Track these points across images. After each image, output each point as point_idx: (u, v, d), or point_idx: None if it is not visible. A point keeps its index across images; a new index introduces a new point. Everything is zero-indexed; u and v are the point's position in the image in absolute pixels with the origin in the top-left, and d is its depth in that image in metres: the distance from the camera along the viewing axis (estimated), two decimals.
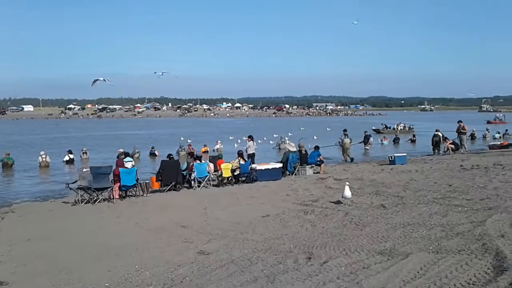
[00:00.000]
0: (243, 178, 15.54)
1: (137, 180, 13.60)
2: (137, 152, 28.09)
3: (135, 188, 13.67)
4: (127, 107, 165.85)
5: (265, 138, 37.75)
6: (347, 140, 25.76)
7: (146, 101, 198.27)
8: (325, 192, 11.95)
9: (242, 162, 15.46)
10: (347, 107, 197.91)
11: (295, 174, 16.72)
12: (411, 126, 53.18)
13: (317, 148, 18.18)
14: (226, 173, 15.07)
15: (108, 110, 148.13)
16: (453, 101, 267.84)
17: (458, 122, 25.16)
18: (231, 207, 10.70)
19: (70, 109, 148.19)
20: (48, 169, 22.37)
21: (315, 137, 35.98)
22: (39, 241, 8.43)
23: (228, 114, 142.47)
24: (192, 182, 14.92)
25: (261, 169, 15.83)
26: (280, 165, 16.39)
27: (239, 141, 37.92)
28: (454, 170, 14.80)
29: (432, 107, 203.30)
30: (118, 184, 13.20)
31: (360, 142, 32.20)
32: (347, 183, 10.08)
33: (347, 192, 9.73)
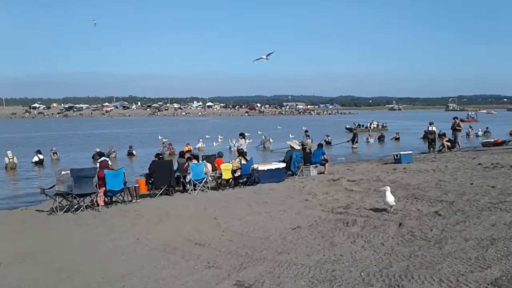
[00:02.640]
0: (243, 180, 13.79)
1: (125, 183, 11.65)
2: (113, 152, 25.91)
3: (122, 193, 11.74)
4: (95, 106, 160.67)
5: (246, 135, 36.02)
6: (308, 141, 25.52)
7: (114, 100, 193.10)
8: (350, 197, 10.37)
9: (243, 162, 13.69)
10: (317, 107, 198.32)
11: (298, 175, 15.13)
12: (384, 125, 52.55)
13: (320, 146, 16.62)
14: (227, 175, 13.29)
15: (75, 109, 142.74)
16: (418, 100, 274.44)
17: (453, 118, 24.12)
18: (246, 216, 8.94)
19: (34, 108, 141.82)
20: (15, 171, 19.94)
21: (290, 135, 34.51)
22: (11, 266, 6.47)
23: (200, 113, 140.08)
24: (187, 185, 13.11)
25: (263, 170, 14.14)
26: (283, 165, 14.74)
27: (219, 139, 36.15)
28: (475, 169, 13.54)
29: (400, 106, 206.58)
30: (103, 188, 11.22)
31: (348, 141, 31.07)
32: (388, 187, 8.50)
33: (390, 198, 8.15)
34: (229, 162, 14.01)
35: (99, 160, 17.33)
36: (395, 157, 17.69)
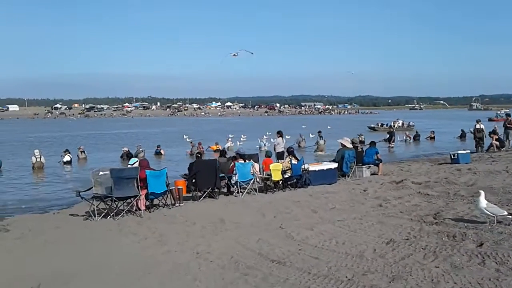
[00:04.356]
0: (292, 181, 12.46)
1: (167, 185, 10.46)
2: (142, 151, 24.88)
3: (164, 196, 10.57)
4: (115, 106, 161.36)
5: (267, 135, 34.85)
6: (321, 142, 25.83)
7: (134, 100, 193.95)
8: (432, 202, 8.97)
9: (294, 161, 12.36)
10: (335, 106, 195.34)
11: (350, 176, 13.75)
12: (411, 124, 50.14)
13: (373, 144, 15.17)
14: (276, 176, 11.98)
15: (96, 110, 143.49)
16: (439, 99, 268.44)
17: (506, 115, 22.39)
18: (318, 225, 7.62)
19: (56, 108, 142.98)
20: (43, 171, 19.00)
21: (311, 135, 33.05)
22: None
23: (219, 113, 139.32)
24: (232, 187, 11.88)
25: (314, 170, 12.80)
26: (335, 165, 13.37)
27: (242, 138, 34.77)
28: None
29: (421, 106, 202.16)
30: (145, 191, 10.05)
31: (384, 140, 29.42)
32: (482, 191, 7.08)
33: (496, 208, 6.74)
34: (278, 162, 12.72)
35: (129, 161, 16.42)
36: (452, 157, 16.15)
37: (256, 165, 12.25)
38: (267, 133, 38.65)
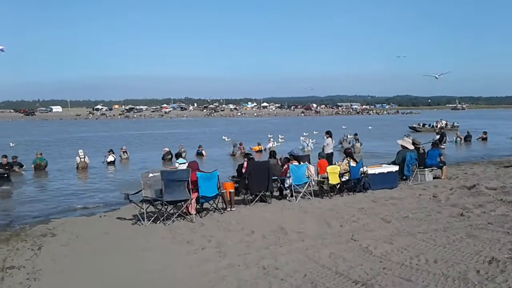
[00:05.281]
0: (350, 185, 11.51)
1: (218, 188, 9.77)
2: (184, 152, 24.47)
3: (215, 200, 9.89)
4: (154, 107, 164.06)
5: (305, 135, 33.86)
6: (357, 145, 24.49)
7: (171, 101, 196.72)
8: None
9: (352, 164, 11.41)
10: (372, 106, 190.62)
11: (412, 180, 12.66)
12: (455, 124, 47.43)
13: (435, 145, 13.98)
14: (334, 179, 11.07)
15: (135, 111, 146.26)
16: (481, 99, 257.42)
17: None
18: (395, 237, 6.70)
19: (97, 109, 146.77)
20: (87, 171, 18.81)
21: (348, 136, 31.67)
22: None
23: (255, 114, 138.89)
24: (285, 191, 11.08)
25: (374, 174, 11.80)
26: (396, 168, 12.32)
27: (280, 138, 33.81)
28: None
29: (464, 106, 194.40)
30: (196, 194, 9.39)
31: (434, 141, 27.80)
32: None
33: None
34: (334, 164, 11.81)
35: (177, 160, 15.86)
36: None
37: (312, 167, 11.39)
38: (304, 133, 37.84)
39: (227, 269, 5.66)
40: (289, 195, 10.99)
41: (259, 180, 10.60)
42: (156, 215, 8.90)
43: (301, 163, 11.30)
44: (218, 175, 9.80)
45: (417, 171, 12.82)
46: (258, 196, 10.59)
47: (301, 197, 10.77)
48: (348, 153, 11.84)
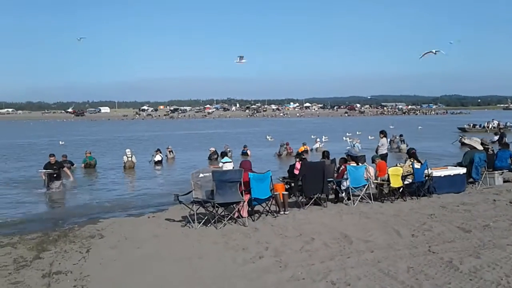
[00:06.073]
0: (412, 189, 10.56)
1: (271, 190, 9.15)
2: (229, 151, 24.09)
3: (267, 202, 9.28)
4: (197, 108, 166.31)
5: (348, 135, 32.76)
6: (403, 146, 23.72)
7: (214, 102, 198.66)
8: None
9: (416, 165, 10.47)
10: (419, 107, 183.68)
11: (480, 184, 11.54)
12: (508, 124, 43.97)
13: (506, 146, 12.74)
14: (396, 182, 10.18)
15: (180, 111, 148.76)
16: None
17: None
18: (481, 250, 5.82)
19: (143, 110, 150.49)
20: (134, 170, 18.77)
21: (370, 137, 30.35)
22: None
23: (298, 114, 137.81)
24: (341, 194, 10.32)
25: (439, 176, 10.80)
26: (464, 170, 11.25)
27: (324, 139, 32.69)
28: None
29: None
30: (248, 196, 8.82)
31: (492, 142, 25.97)
32: None
33: None
34: (396, 165, 10.91)
35: (222, 159, 15.41)
36: None
37: (371, 169, 10.56)
38: (347, 134, 36.75)
39: (291, 283, 5.02)
40: (346, 198, 10.23)
41: (314, 182, 9.91)
42: (206, 217, 8.40)
43: (359, 164, 10.50)
44: (271, 176, 9.20)
45: (486, 173, 11.67)
46: (313, 199, 9.91)
47: (358, 200, 9.98)
48: (412, 154, 10.88)
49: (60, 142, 33.89)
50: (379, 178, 10.66)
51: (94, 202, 12.41)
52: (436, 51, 15.82)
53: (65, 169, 14.43)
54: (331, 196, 10.66)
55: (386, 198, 10.27)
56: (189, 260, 6.16)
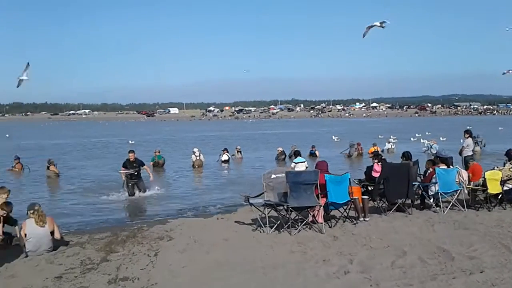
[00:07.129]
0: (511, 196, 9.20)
1: (350, 193, 8.30)
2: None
3: (345, 207, 8.44)
4: (262, 108, 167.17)
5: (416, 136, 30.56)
6: (477, 149, 20.58)
7: (278, 103, 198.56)
8: None
9: None
10: (495, 106, 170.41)
11: None
12: None
13: None
14: (494, 187, 8.90)
15: (244, 112, 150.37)
16: None
17: None
18: None
19: (210, 111, 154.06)
20: (202, 169, 18.62)
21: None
22: None
23: (364, 114, 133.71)
24: (429, 200, 9.21)
25: None
26: None
27: (392, 139, 30.73)
28: None
29: None
30: (324, 200, 8.04)
31: None
32: None
33: None
34: (493, 169, 9.59)
35: (295, 159, 14.67)
36: None
37: (464, 172, 9.35)
38: (416, 134, 34.72)
39: None
40: (434, 204, 9.12)
41: (398, 185, 8.90)
42: (279, 221, 7.75)
43: (451, 166, 9.33)
44: (349, 178, 8.35)
45: None
46: (397, 205, 8.91)
47: (449, 208, 8.83)
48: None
49: (130, 141, 34.98)
50: (471, 182, 9.42)
51: (162, 201, 12.23)
52: (381, 23, 12.88)
53: (145, 166, 13.22)
54: (416, 202, 9.59)
55: (481, 206, 9.02)
56: (264, 270, 5.53)
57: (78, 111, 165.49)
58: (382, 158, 10.45)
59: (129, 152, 13.00)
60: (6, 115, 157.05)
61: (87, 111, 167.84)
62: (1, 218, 6.88)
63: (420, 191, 9.44)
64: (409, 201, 9.22)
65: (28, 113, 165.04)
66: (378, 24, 13.43)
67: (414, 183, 9.24)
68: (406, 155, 10.77)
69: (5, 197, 7.62)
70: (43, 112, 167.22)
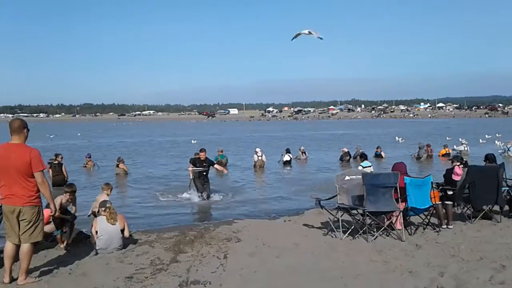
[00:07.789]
0: None
1: (432, 198, 7.59)
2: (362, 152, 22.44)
3: (426, 213, 7.74)
4: (321, 109, 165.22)
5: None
6: None
7: (338, 103, 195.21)
8: None
9: None
10: None
11: None
12: None
13: None
14: None
15: (303, 112, 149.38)
16: None
17: None
18: None
19: (269, 111, 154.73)
20: (264, 169, 18.35)
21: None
22: None
23: (429, 115, 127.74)
24: None
25: None
26: None
27: (461, 141, 28.60)
28: None
29: None
30: (403, 204, 7.40)
31: None
32: None
33: None
34: None
35: (362, 163, 13.99)
36: None
37: None
38: (486, 136, 32.46)
39: None
40: None
41: (486, 190, 8.05)
42: (353, 226, 7.23)
43: None
44: (432, 182, 7.65)
45: None
46: (484, 212, 8.07)
47: None
48: None
49: (193, 141, 35.55)
50: None
51: (227, 200, 12.05)
52: (310, 32, 11.07)
53: (216, 165, 12.72)
54: (505, 209, 8.64)
55: None
56: (343, 280, 5.06)
57: (143, 112, 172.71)
58: (465, 161, 9.57)
59: (200, 151, 12.51)
60: (77, 116, 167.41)
61: (151, 111, 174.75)
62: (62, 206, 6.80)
63: (509, 197, 8.50)
64: (497, 208, 8.35)
65: (97, 114, 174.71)
66: (307, 32, 12.25)
67: (503, 188, 8.34)
68: (490, 158, 9.75)
69: (108, 193, 7.77)
70: (111, 113, 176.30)
